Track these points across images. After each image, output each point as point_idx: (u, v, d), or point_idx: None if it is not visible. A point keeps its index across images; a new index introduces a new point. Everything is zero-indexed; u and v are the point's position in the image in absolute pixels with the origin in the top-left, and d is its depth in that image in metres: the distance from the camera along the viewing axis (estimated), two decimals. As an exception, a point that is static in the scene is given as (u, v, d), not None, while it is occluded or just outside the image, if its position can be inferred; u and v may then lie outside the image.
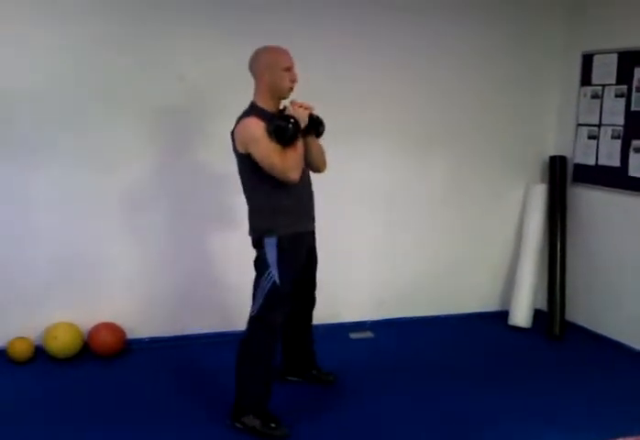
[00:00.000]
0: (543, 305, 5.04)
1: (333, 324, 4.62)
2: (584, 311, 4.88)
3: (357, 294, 4.76)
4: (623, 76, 4.49)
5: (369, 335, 4.72)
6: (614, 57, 4.56)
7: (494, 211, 5.10)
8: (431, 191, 4.90)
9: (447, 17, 4.69)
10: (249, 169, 3.21)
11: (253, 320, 3.31)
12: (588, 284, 4.86)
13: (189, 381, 3.87)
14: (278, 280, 3.24)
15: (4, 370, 3.93)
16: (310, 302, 3.73)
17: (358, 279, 4.77)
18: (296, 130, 3.13)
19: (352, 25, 4.48)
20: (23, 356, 4.02)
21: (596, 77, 4.73)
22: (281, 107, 3.32)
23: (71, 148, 4.07)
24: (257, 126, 3.12)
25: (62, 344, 4.04)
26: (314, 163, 3.41)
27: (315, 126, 3.30)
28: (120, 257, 4.26)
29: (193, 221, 4.36)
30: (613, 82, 4.58)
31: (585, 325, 4.88)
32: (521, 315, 4.93)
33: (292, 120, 3.13)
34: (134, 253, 4.29)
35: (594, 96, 4.73)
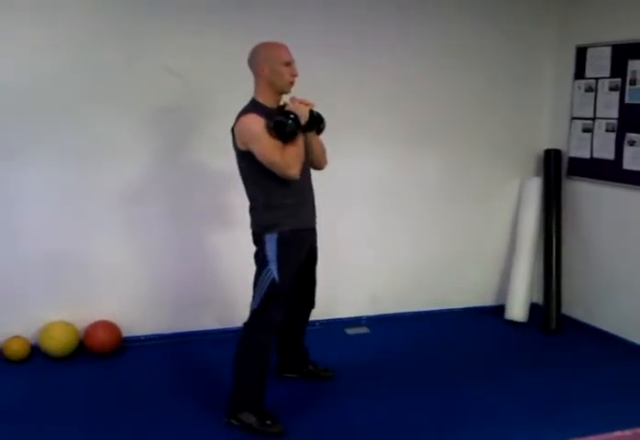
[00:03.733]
0: (539, 299, 5.04)
1: (329, 320, 4.62)
2: (580, 304, 4.89)
3: (353, 290, 4.76)
4: (617, 69, 4.48)
5: (365, 330, 4.72)
6: (608, 50, 4.55)
7: (489, 205, 5.10)
8: (426, 186, 4.90)
9: (440, 12, 4.68)
10: (250, 165, 3.20)
11: (253, 315, 3.28)
12: (584, 278, 4.86)
13: (186, 379, 3.87)
14: (277, 277, 3.23)
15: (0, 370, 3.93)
16: (309, 301, 3.70)
17: (354, 274, 4.76)
18: (296, 126, 3.12)
19: (344, 21, 4.47)
20: (19, 355, 4.01)
21: (590, 70, 4.72)
22: (282, 103, 3.31)
23: (61, 145, 4.05)
24: (257, 123, 3.10)
25: (58, 343, 4.04)
26: (314, 160, 3.41)
27: (316, 122, 3.28)
28: (115, 255, 4.25)
29: (189, 218, 4.35)
30: (607, 75, 4.57)
31: (581, 319, 4.88)
32: (517, 310, 4.93)
33: (292, 116, 3.13)
34: (129, 251, 4.28)
35: (588, 89, 4.73)
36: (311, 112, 3.22)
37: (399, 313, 4.92)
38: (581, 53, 4.77)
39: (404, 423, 3.40)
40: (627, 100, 4.43)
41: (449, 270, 5.05)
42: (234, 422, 3.30)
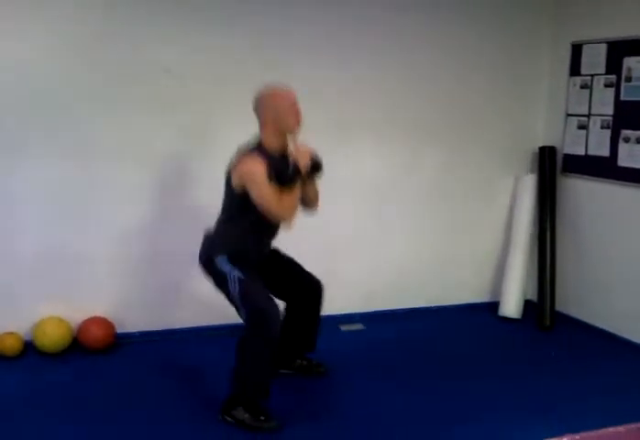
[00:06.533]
0: (533, 296, 5.05)
1: (323, 317, 4.58)
2: (574, 301, 4.89)
3: (347, 287, 4.75)
4: (612, 66, 4.49)
5: (359, 327, 4.72)
6: (603, 47, 4.56)
7: (484, 202, 5.10)
8: (420, 182, 4.90)
9: (435, 10, 4.67)
10: (236, 203, 3.30)
11: (249, 322, 3.26)
12: (578, 274, 4.87)
13: (179, 375, 3.86)
14: (242, 275, 3.27)
15: (-7, 366, 3.92)
16: (306, 283, 3.68)
17: (348, 271, 4.75)
18: (296, 176, 3.21)
19: (345, 20, 4.47)
20: (12, 351, 4.00)
21: (585, 67, 4.72)
22: (286, 145, 3.37)
23: (58, 144, 4.03)
24: (259, 167, 3.17)
25: (52, 339, 4.03)
26: (307, 203, 3.50)
27: (315, 170, 3.36)
28: (109, 251, 4.23)
29: (183, 216, 4.33)
30: (602, 71, 4.57)
31: (575, 316, 4.89)
32: (511, 306, 4.93)
33: (292, 165, 3.22)
34: (123, 247, 4.25)
35: (583, 86, 4.73)
36: (311, 160, 3.30)
37: (393, 310, 4.93)
38: (577, 50, 4.77)
39: (398, 419, 3.40)
40: (622, 97, 4.43)
41: (444, 267, 5.05)
42: (227, 418, 3.29)
